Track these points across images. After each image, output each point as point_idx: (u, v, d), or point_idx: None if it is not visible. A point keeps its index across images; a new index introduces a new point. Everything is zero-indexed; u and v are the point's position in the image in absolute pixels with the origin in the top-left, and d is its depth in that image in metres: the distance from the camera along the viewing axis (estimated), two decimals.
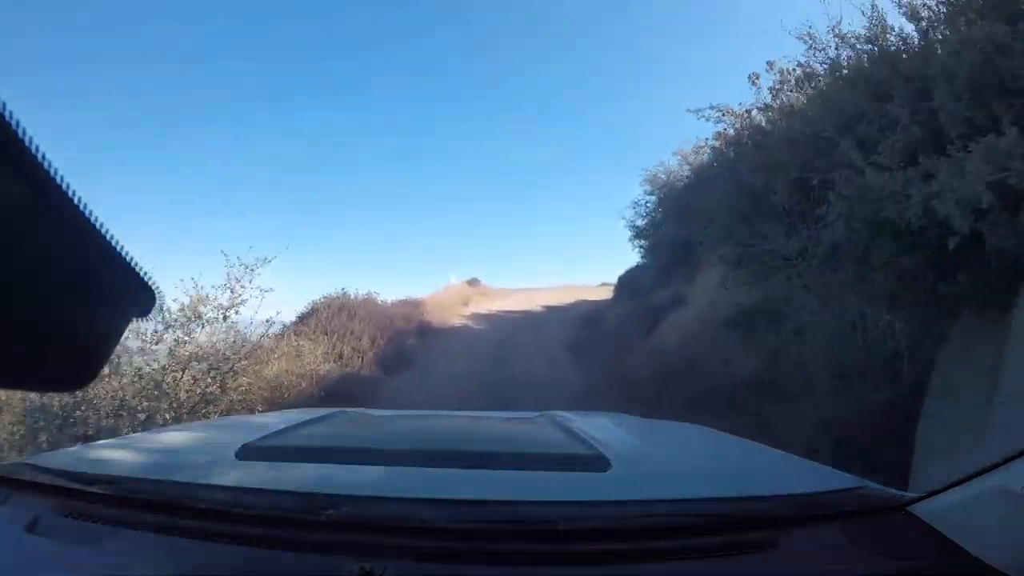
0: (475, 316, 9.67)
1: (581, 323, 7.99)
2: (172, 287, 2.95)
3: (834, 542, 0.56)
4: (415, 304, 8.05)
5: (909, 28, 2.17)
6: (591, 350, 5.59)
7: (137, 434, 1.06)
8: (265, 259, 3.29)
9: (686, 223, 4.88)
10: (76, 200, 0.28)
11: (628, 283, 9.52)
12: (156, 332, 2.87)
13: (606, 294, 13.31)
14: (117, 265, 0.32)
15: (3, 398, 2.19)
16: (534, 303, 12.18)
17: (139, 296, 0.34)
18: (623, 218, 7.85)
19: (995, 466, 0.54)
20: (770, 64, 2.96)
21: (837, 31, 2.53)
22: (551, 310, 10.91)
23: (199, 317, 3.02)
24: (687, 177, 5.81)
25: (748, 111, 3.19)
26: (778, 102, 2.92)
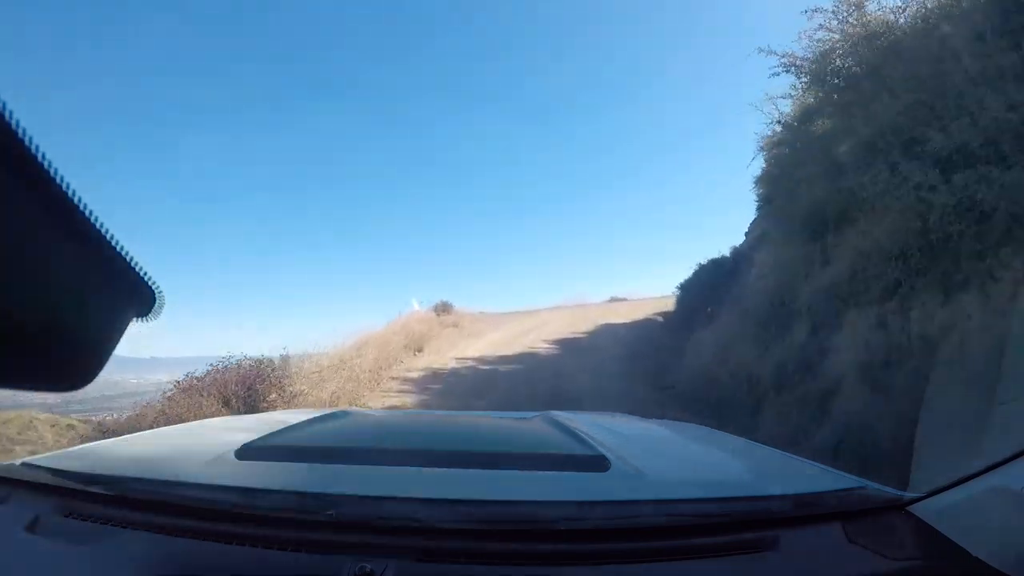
0: (427, 379, 6.34)
1: (666, 393, 5.58)
2: None
3: (834, 542, 0.66)
4: (248, 380, 4.84)
5: None
6: None
7: (137, 434, 1.20)
8: None
9: None
10: (76, 200, 0.33)
11: (712, 293, 6.67)
12: None
13: (630, 313, 11.89)
14: (117, 265, 0.38)
15: None
16: (535, 335, 9.22)
17: (140, 296, 0.40)
18: (775, 104, 5.19)
19: (995, 466, 0.65)
20: None
21: None
22: (567, 348, 7.87)
23: None
24: None
25: None
26: None
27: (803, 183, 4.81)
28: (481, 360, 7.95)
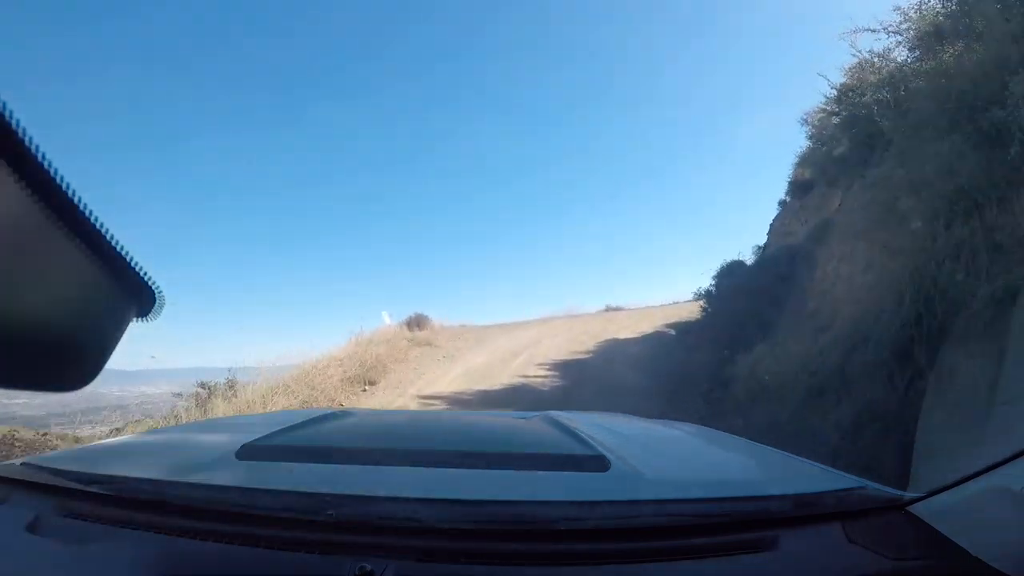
0: None
1: None
2: None
3: (834, 542, 0.69)
4: None
5: None
6: None
7: (137, 434, 1.32)
8: None
9: None
10: (76, 200, 0.35)
11: (760, 301, 5.21)
12: None
13: (634, 325, 10.46)
14: (117, 265, 0.39)
15: None
16: (527, 357, 7.60)
17: (140, 296, 0.42)
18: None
19: (995, 466, 0.67)
20: None
21: None
22: (572, 376, 6.26)
23: None
24: None
25: None
26: None
27: (935, 137, 3.23)
28: (455, 399, 6.20)
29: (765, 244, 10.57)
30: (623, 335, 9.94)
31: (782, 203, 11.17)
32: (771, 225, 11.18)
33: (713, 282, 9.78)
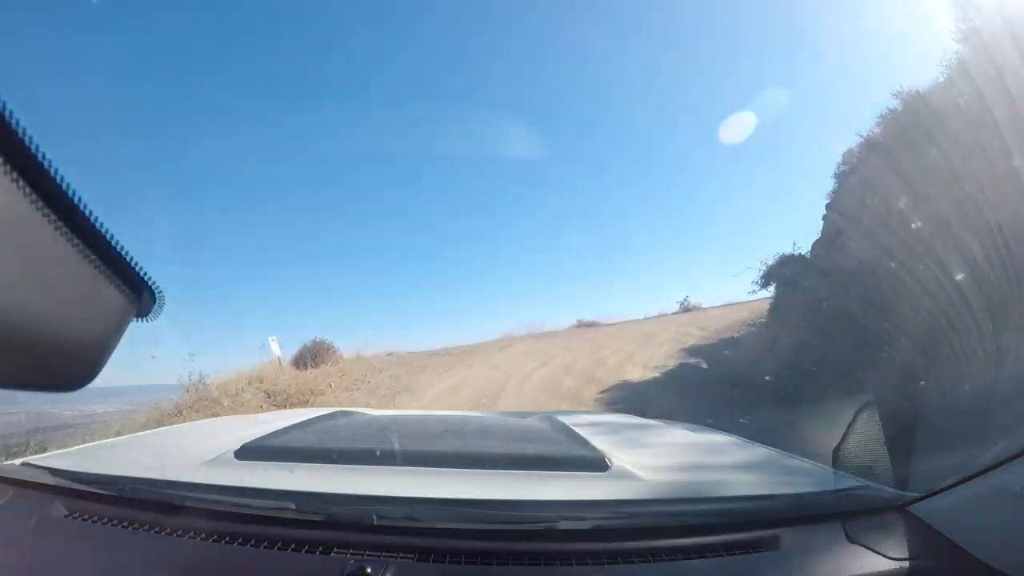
0: None
1: None
2: None
3: (835, 542, 0.74)
4: None
5: None
6: None
7: (137, 434, 1.27)
8: None
9: None
10: (76, 199, 0.37)
11: None
12: None
13: (638, 351, 9.04)
14: (117, 265, 0.42)
15: None
16: (492, 402, 3.65)
17: (140, 296, 0.45)
18: None
19: (995, 466, 0.70)
20: None
21: None
22: None
23: None
24: None
25: None
26: None
27: None
28: None
29: (836, 230, 8.21)
30: (633, 374, 7.04)
31: (842, 175, 8.81)
32: (829, 205, 8.81)
33: (760, 286, 7.12)
